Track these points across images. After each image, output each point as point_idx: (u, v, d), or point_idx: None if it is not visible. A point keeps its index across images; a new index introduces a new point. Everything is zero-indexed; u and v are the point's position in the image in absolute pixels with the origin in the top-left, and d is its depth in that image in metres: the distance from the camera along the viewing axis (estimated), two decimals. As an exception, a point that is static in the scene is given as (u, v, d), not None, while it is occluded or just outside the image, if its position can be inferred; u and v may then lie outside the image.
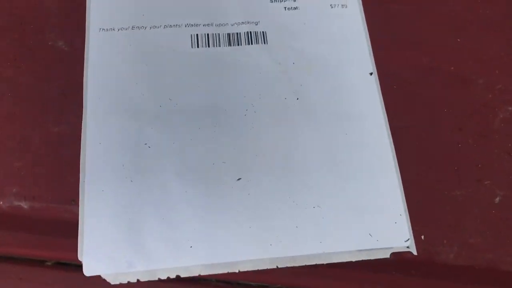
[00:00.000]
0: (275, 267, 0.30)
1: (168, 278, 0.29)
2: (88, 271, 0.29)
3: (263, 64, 0.35)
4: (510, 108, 0.35)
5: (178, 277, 0.30)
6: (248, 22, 0.37)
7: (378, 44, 0.37)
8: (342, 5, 0.38)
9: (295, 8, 0.37)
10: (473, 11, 0.38)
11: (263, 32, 0.36)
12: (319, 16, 0.37)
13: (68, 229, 0.30)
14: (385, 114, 0.34)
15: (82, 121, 0.33)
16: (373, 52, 0.36)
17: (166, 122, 0.33)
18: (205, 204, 0.31)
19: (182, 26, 0.36)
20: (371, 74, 0.35)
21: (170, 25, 0.36)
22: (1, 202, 0.31)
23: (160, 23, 0.36)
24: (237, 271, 0.30)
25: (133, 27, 0.36)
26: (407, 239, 0.31)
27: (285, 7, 0.37)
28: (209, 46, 0.36)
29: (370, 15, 0.38)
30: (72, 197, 0.31)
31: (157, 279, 0.29)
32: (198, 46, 0.36)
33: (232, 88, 0.34)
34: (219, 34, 0.36)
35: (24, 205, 0.31)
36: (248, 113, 0.34)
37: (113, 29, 0.36)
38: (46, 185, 0.31)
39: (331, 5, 0.38)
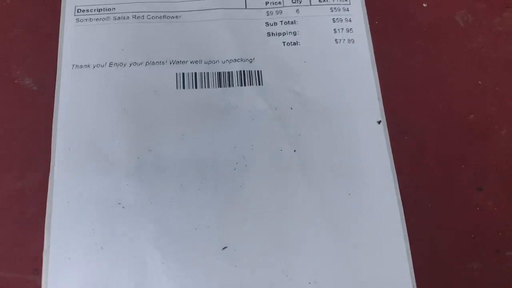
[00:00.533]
0: None
1: None
2: None
3: (257, 109, 0.31)
4: (536, 165, 0.31)
5: None
6: (241, 60, 0.32)
7: (388, 86, 0.32)
8: (349, 40, 0.33)
9: (295, 44, 0.33)
10: (498, 49, 0.34)
11: (258, 71, 0.32)
12: (322, 53, 0.33)
13: (28, 305, 0.26)
14: (394, 171, 0.30)
15: (49, 175, 0.29)
16: (382, 96, 0.32)
17: (143, 177, 0.29)
18: (185, 278, 0.27)
19: (167, 63, 0.32)
20: (379, 122, 0.31)
21: (153, 62, 0.32)
22: (-45, 269, 0.27)
23: (141, 59, 0.32)
24: None
25: (110, 64, 0.32)
26: (415, 322, 0.27)
27: (283, 42, 0.33)
28: (196, 87, 0.32)
29: (380, 52, 0.33)
30: (34, 266, 0.27)
31: None
32: (184, 87, 0.31)
33: (221, 137, 0.30)
34: (208, 73, 0.32)
35: (-20, 273, 0.27)
36: (238, 167, 0.30)
37: (88, 66, 0.32)
38: (5, 252, 0.28)
39: (336, 40, 0.33)
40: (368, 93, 0.32)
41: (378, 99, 0.32)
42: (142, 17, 0.33)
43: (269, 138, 0.30)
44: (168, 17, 0.33)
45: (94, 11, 0.33)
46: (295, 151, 0.30)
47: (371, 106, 0.32)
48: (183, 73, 0.32)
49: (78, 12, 0.33)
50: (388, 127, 0.31)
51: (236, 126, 0.31)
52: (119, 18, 0.33)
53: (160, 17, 0.33)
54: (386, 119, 0.31)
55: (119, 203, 0.28)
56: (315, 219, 0.29)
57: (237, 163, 0.30)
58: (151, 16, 0.33)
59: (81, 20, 0.33)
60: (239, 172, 0.30)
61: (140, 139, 0.30)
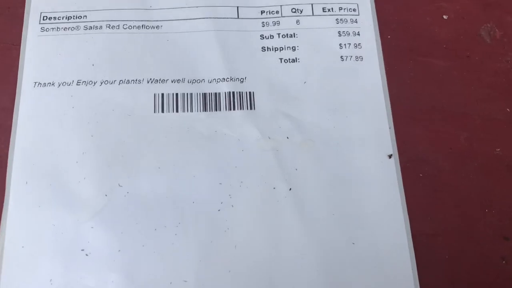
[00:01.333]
0: None
1: None
2: None
3: (248, 138, 0.27)
4: None
5: None
6: (231, 79, 0.28)
7: (401, 113, 0.28)
8: (357, 58, 0.29)
9: (294, 60, 0.28)
10: (529, 71, 0.29)
11: (250, 93, 0.28)
12: (326, 72, 0.28)
13: None
14: (407, 215, 0.26)
15: (2, 214, 0.25)
16: (394, 125, 0.27)
17: (111, 218, 0.25)
18: None
19: (144, 82, 0.27)
20: (390, 156, 0.27)
21: (128, 81, 0.27)
22: None
23: (114, 77, 0.27)
24: None
25: (78, 82, 0.27)
26: None
27: (281, 59, 0.29)
28: (177, 110, 0.27)
29: (392, 72, 0.29)
30: (-22, 325, 0.23)
31: None
32: (162, 110, 0.27)
33: (204, 171, 0.26)
34: (191, 95, 0.27)
35: None
36: (223, 208, 0.25)
37: (53, 84, 0.27)
38: None
39: (342, 57, 0.29)
40: (377, 121, 0.27)
41: (390, 128, 0.27)
42: (117, 27, 0.28)
43: (260, 173, 0.26)
44: (147, 27, 0.29)
45: (63, 19, 0.29)
46: (290, 189, 0.26)
47: (381, 136, 0.27)
48: (162, 94, 0.27)
49: (44, 19, 0.29)
50: (400, 162, 0.27)
51: (223, 157, 0.26)
52: (90, 27, 0.28)
53: (138, 27, 0.29)
54: (398, 152, 0.27)
55: (82, 250, 0.24)
56: (312, 272, 0.24)
57: (222, 202, 0.25)
58: (127, 26, 0.29)
59: (47, 30, 0.28)
60: (224, 213, 0.25)
61: (109, 172, 0.26)
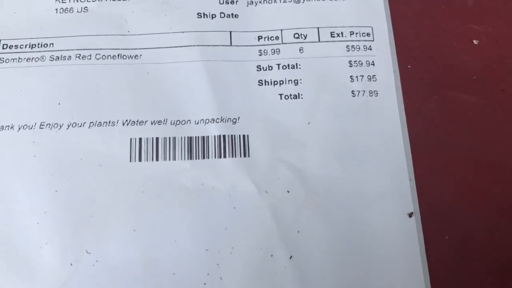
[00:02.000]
0: None
1: None
2: None
3: (241, 193, 0.22)
4: None
5: None
6: (221, 119, 0.24)
7: (424, 162, 0.23)
8: (371, 93, 0.24)
9: (296, 97, 0.24)
10: None
11: (243, 136, 0.23)
12: (334, 110, 0.24)
13: None
14: (430, 287, 0.21)
15: None
16: (416, 177, 0.23)
17: (77, 295, 0.21)
18: None
19: (119, 124, 0.23)
20: (410, 215, 0.22)
21: (100, 123, 0.23)
22: None
23: (84, 118, 0.23)
24: None
25: (42, 125, 0.23)
26: None
27: (281, 95, 0.24)
28: (157, 158, 0.23)
29: (413, 110, 0.24)
30: None
31: None
32: (140, 159, 0.23)
33: (188, 235, 0.22)
34: (174, 139, 0.23)
35: None
36: (210, 281, 0.21)
37: (11, 127, 0.23)
38: None
39: (353, 92, 0.24)
40: (396, 171, 0.23)
41: (410, 180, 0.23)
42: (89, 57, 0.24)
43: (255, 236, 0.22)
44: (124, 57, 0.24)
45: (26, 47, 0.24)
46: (291, 257, 0.22)
47: (400, 190, 0.23)
48: (140, 139, 0.23)
49: (3, 48, 0.24)
50: (422, 222, 0.22)
51: (210, 217, 0.22)
52: (57, 58, 0.24)
53: (113, 57, 0.24)
54: (420, 210, 0.22)
55: (40, 333, 0.20)
56: None
57: (208, 274, 0.21)
58: (101, 55, 0.24)
59: (7, 61, 0.24)
60: None
61: (75, 236, 0.21)
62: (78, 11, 0.25)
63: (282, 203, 0.22)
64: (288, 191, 0.23)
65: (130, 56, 0.24)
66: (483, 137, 0.24)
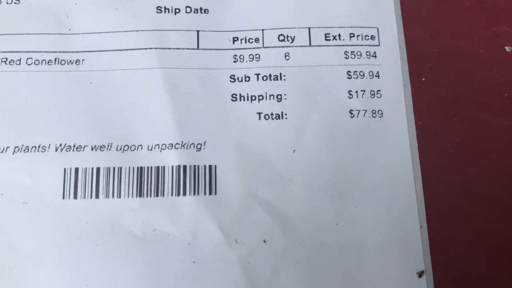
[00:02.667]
0: None
1: None
2: None
3: (203, 242, 0.17)
4: None
5: None
6: (182, 145, 0.18)
7: (439, 204, 0.18)
8: (374, 113, 0.19)
9: (279, 117, 0.19)
10: None
11: (210, 167, 0.18)
12: (326, 135, 0.19)
13: None
14: None
15: None
16: (428, 224, 0.18)
17: None
18: None
19: (50, 149, 0.18)
20: (421, 274, 0.17)
21: (26, 148, 0.18)
22: None
23: (6, 141, 0.18)
24: None
25: (-49, 149, 0.18)
26: None
27: (259, 114, 0.19)
28: (97, 195, 0.18)
29: (427, 135, 0.19)
30: None
31: None
32: (76, 195, 0.18)
33: (134, 294, 0.17)
34: (120, 170, 0.18)
35: None
36: None
37: None
38: None
39: (351, 111, 0.19)
40: (403, 216, 0.18)
41: (421, 228, 0.18)
42: (18, 62, 0.19)
43: (222, 302, 0.17)
44: (61, 62, 0.19)
45: None
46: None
47: (408, 242, 0.18)
48: (77, 169, 0.18)
49: None
50: (435, 283, 0.17)
51: (163, 273, 0.17)
52: (-24, 62, 0.19)
53: (48, 62, 0.19)
54: (433, 267, 0.17)
55: None
56: None
57: None
58: (33, 60, 0.19)
59: None
60: None
61: (-13, 297, 0.17)
62: (7, 2, 0.20)
63: (257, 256, 0.17)
64: (264, 241, 0.18)
65: (70, 61, 0.19)
66: (517, 172, 0.19)
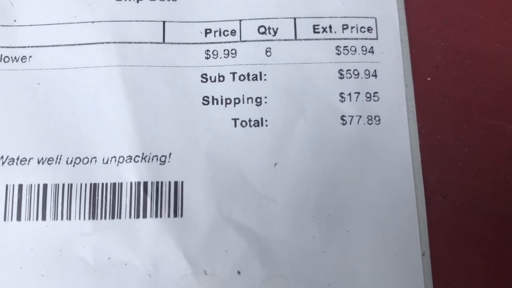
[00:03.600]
0: None
1: None
2: None
3: (167, 273, 0.15)
4: None
5: None
6: (143, 158, 0.16)
7: (446, 228, 0.16)
8: (369, 119, 0.16)
9: (258, 123, 0.16)
10: None
11: (175, 183, 0.16)
12: (314, 144, 0.16)
13: None
14: None
15: None
16: (431, 251, 0.15)
17: None
18: None
19: (-13, 163, 0.16)
20: None
21: (-41, 161, 0.16)
22: None
23: None
24: None
25: None
26: None
27: (235, 120, 0.16)
28: (44, 216, 0.15)
29: (433, 145, 0.16)
30: None
31: None
32: (19, 217, 0.15)
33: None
34: (70, 187, 0.15)
35: None
36: None
37: None
38: None
39: (343, 118, 0.16)
40: (403, 242, 0.15)
41: (423, 255, 0.15)
42: (-46, 58, 0.16)
43: None
44: (5, 59, 0.16)
45: None
46: None
47: (408, 271, 0.15)
48: (20, 186, 0.15)
49: None
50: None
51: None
52: None
53: (-12, 59, 0.16)
54: (434, 276, 0.15)
55: None
56: None
57: None
58: (-29, 57, 0.16)
59: None
60: None
61: None
62: None
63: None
64: (239, 272, 0.15)
65: (15, 58, 0.16)
66: (537, 189, 0.16)
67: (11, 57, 0.17)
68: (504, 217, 0.16)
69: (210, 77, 0.17)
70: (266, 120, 0.16)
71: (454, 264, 0.15)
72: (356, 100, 0.16)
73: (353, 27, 0.17)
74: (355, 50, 0.17)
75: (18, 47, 0.17)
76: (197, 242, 0.15)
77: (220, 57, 0.17)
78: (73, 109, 0.16)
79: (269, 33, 0.17)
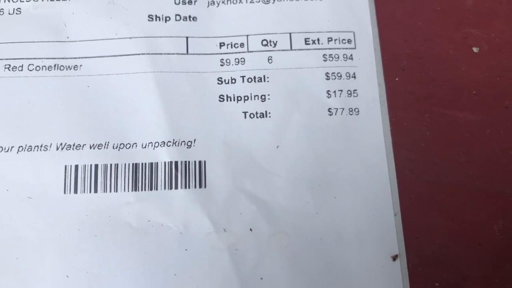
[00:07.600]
0: None
1: None
2: None
3: (194, 231, 0.19)
4: None
5: None
6: (173, 143, 0.20)
7: (412, 193, 0.20)
8: (351, 111, 0.21)
9: (263, 115, 0.20)
10: None
11: (199, 162, 0.20)
12: (307, 132, 0.20)
13: None
14: None
15: None
16: (402, 212, 0.19)
17: None
18: None
19: (51, 148, 0.20)
20: (395, 258, 0.19)
21: (30, 147, 0.20)
22: None
23: (10, 141, 0.20)
24: None
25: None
26: None
27: (245, 113, 0.20)
28: (96, 190, 0.19)
29: (401, 131, 0.21)
30: None
31: None
32: (76, 190, 0.19)
33: (130, 281, 0.18)
34: (117, 166, 0.20)
35: None
36: (154, 338, 0.18)
37: None
38: None
39: (330, 110, 0.21)
40: (379, 205, 0.19)
41: (395, 215, 0.19)
42: (20, 68, 0.21)
43: (210, 284, 0.18)
44: (61, 68, 0.21)
45: None
46: (254, 312, 0.18)
47: (383, 228, 0.19)
48: (76, 166, 0.19)
49: None
50: (408, 267, 0.19)
51: (157, 261, 0.19)
52: (-18, 68, 0.21)
53: (48, 68, 0.21)
54: (407, 252, 0.19)
55: None
56: None
57: (153, 331, 0.18)
58: (34, 66, 0.21)
59: None
60: None
61: (-4, 284, 0.18)
62: (9, 13, 0.21)
63: (243, 244, 0.19)
64: (250, 229, 0.19)
65: (69, 66, 0.21)
66: (483, 163, 0.20)
67: (66, 66, 0.21)
68: (458, 185, 0.20)
69: (225, 80, 0.21)
70: (269, 113, 0.20)
71: (420, 222, 0.20)
72: (340, 96, 0.21)
73: (336, 39, 0.21)
74: (338, 57, 0.21)
75: (71, 58, 0.21)
76: (217, 207, 0.19)
77: (232, 64, 0.21)
78: (117, 107, 0.20)
79: (270, 45, 0.21)
